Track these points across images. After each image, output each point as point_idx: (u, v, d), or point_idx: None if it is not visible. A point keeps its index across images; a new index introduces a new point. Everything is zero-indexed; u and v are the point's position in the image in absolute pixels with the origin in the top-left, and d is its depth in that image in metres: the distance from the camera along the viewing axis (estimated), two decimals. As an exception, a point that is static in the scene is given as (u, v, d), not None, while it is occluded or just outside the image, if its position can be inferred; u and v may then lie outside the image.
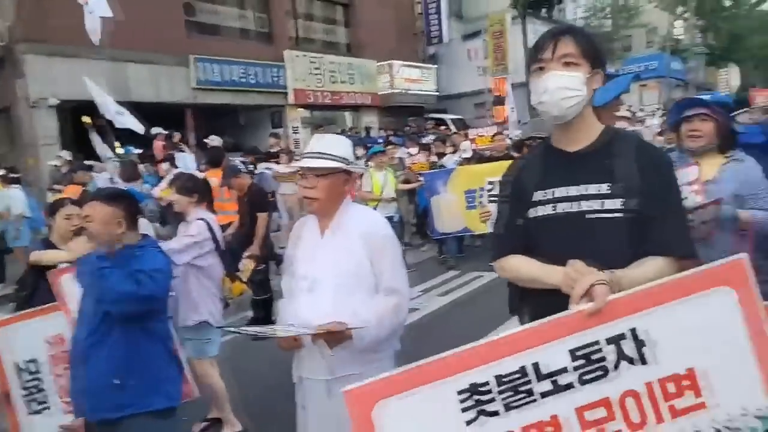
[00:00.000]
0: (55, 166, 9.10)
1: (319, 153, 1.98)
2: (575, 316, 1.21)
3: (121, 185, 6.99)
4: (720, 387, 1.19)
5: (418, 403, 1.18)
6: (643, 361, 1.20)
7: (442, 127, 16.26)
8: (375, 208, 6.22)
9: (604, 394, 1.20)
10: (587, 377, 1.20)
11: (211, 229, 3.37)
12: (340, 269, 1.96)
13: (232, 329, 1.91)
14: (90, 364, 2.14)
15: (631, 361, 1.20)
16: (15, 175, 7.91)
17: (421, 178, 6.38)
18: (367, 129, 16.25)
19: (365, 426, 1.18)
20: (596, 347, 1.20)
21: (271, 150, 10.14)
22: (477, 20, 21.39)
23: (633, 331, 1.19)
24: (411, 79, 19.18)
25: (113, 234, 2.16)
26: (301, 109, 16.21)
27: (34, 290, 3.04)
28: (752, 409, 1.18)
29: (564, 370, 1.20)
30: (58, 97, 10.36)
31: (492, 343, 1.21)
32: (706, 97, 2.73)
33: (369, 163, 7.74)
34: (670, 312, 1.19)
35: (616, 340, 1.20)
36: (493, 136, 8.30)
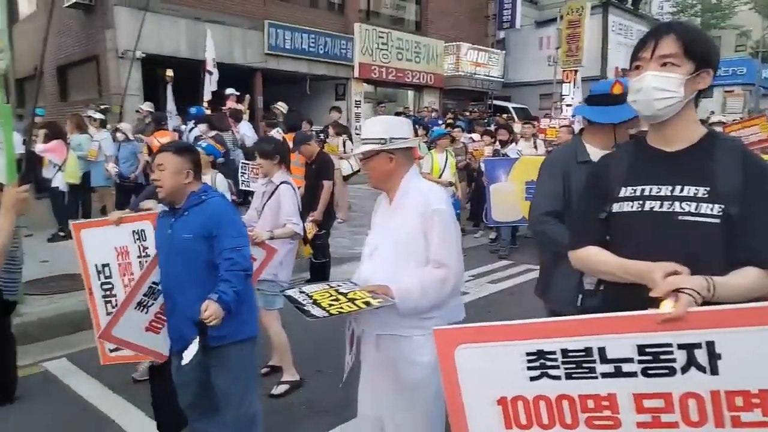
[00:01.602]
0: (139, 115, 9.57)
1: (363, 139, 2.17)
2: (650, 318, 1.21)
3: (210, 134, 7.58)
4: None
5: (491, 354, 1.34)
6: (714, 372, 1.19)
7: (505, 115, 16.04)
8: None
9: (667, 389, 1.21)
10: (651, 372, 1.22)
11: (294, 192, 3.58)
12: (396, 239, 2.10)
13: (290, 294, 2.09)
14: (186, 295, 2.37)
15: (701, 369, 1.19)
16: (104, 118, 8.45)
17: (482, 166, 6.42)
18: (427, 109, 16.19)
19: (449, 362, 1.37)
20: (667, 349, 1.20)
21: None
22: (553, 7, 20.69)
23: (710, 344, 1.18)
24: (477, 62, 18.88)
25: (180, 182, 2.44)
26: (366, 84, 16.34)
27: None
28: None
29: (629, 360, 1.23)
30: (143, 51, 10.90)
31: (563, 322, 1.31)
32: None
33: (434, 143, 7.79)
34: (759, 335, 1.16)
35: (689, 348, 1.19)
36: (560, 128, 8.16)
